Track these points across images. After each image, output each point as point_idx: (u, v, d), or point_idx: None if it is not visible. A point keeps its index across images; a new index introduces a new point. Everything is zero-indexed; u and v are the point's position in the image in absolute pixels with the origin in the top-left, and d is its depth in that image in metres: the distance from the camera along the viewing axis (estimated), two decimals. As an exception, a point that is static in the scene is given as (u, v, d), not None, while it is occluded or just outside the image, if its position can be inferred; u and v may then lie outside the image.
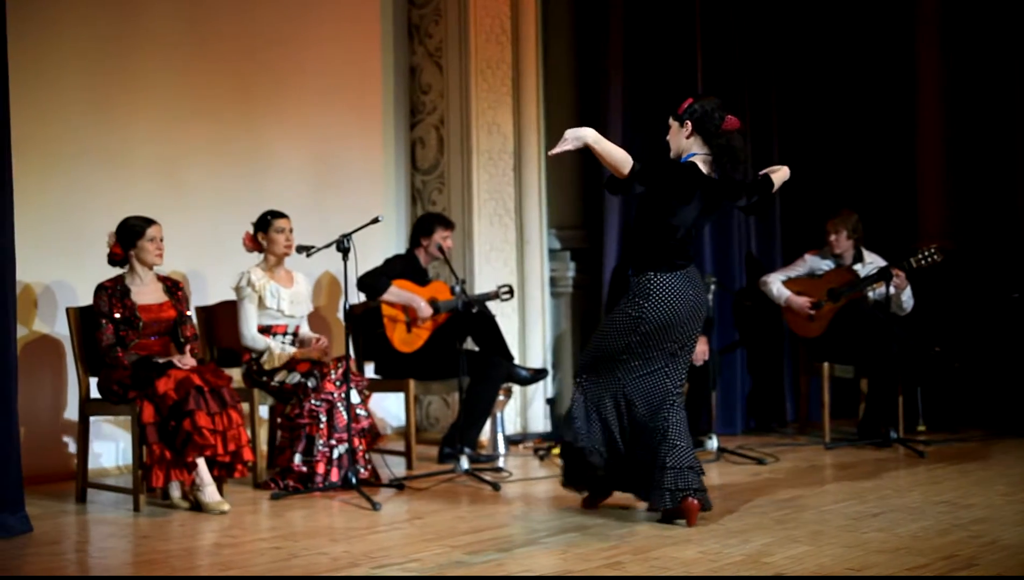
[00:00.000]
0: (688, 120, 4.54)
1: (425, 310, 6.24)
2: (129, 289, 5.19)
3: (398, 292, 6.25)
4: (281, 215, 5.71)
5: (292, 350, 5.60)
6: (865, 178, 8.03)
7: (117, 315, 5.13)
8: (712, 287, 6.49)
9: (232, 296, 5.74)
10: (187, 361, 5.04)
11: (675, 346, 4.59)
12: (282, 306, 5.64)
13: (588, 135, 4.36)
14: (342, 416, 5.39)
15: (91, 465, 5.45)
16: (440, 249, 6.41)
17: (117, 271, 5.26)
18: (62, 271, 5.81)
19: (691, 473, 4.48)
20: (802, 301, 6.76)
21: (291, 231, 5.71)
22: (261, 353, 5.60)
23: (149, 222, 5.22)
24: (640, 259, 4.59)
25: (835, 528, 4.32)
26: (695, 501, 4.45)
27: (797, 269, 6.93)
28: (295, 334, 5.73)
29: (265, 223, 5.69)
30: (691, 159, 4.53)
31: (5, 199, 4.47)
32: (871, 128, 8.08)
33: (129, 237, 5.19)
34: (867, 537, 4.15)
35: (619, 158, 4.37)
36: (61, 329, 5.66)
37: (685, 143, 4.57)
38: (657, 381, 4.58)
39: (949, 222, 7.64)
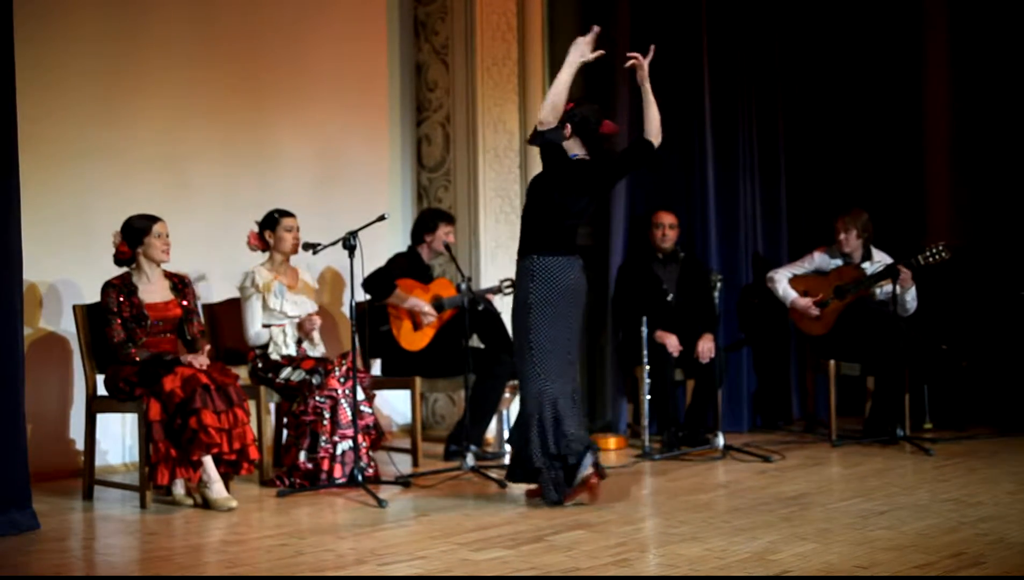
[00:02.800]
0: (568, 123, 4.84)
1: (429, 314, 6.24)
2: (136, 287, 5.20)
3: (402, 296, 6.24)
4: (289, 214, 5.72)
5: (295, 332, 5.65)
6: (873, 176, 8.02)
7: (125, 313, 5.14)
8: (718, 284, 6.49)
9: (236, 294, 5.75)
10: (202, 361, 5.03)
11: (569, 331, 4.85)
12: (285, 307, 5.65)
13: (574, 55, 4.71)
14: (346, 413, 5.39)
15: (98, 462, 5.46)
16: (447, 247, 6.41)
17: (122, 269, 5.27)
18: (68, 269, 5.82)
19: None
20: (806, 302, 6.74)
21: (298, 230, 5.72)
22: (267, 345, 5.62)
23: (154, 219, 5.22)
24: (526, 243, 4.89)
25: (842, 526, 4.31)
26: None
27: (804, 265, 6.91)
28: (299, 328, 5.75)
29: (273, 221, 5.69)
30: (574, 159, 4.85)
31: (11, 197, 4.48)
32: (878, 126, 8.07)
33: (136, 235, 5.20)
34: (874, 535, 4.14)
35: (559, 101, 4.67)
36: (67, 326, 5.67)
37: (566, 144, 4.86)
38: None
39: (957, 220, 7.62)
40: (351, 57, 7.09)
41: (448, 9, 7.28)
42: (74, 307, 5.35)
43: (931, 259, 6.44)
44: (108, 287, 5.17)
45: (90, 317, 5.29)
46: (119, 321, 5.13)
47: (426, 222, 6.51)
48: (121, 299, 5.15)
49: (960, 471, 5.56)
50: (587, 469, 4.76)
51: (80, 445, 5.59)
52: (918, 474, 5.54)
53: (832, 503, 4.79)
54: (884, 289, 6.64)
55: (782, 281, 6.86)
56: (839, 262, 6.83)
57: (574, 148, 4.88)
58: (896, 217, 7.75)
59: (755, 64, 7.62)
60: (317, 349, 5.77)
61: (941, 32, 7.72)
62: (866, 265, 6.77)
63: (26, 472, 4.52)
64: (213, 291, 6.22)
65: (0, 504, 4.37)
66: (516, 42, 7.32)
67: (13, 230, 4.48)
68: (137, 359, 5.09)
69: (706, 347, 6.50)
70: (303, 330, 5.69)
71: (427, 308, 6.24)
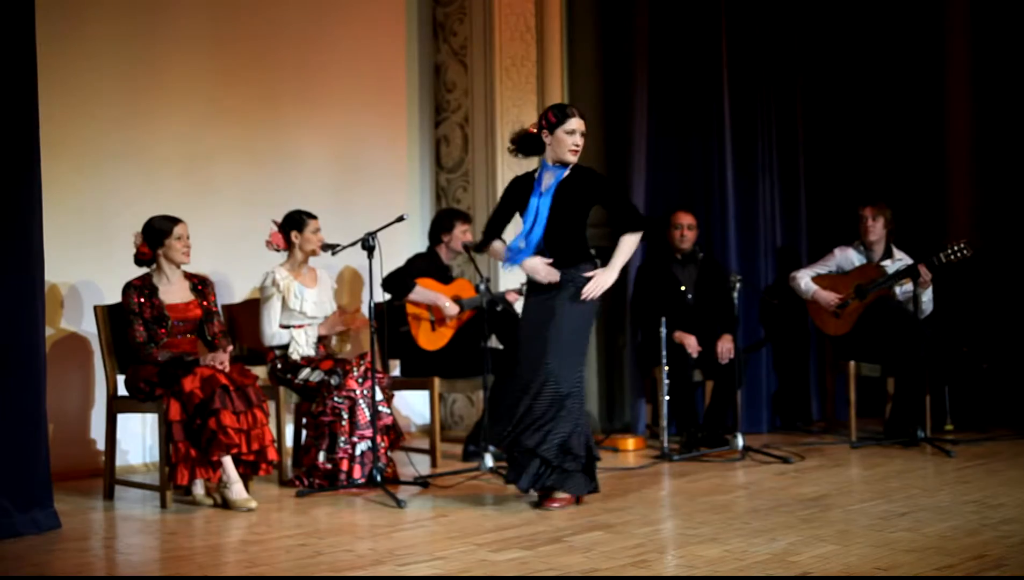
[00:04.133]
0: (547, 130, 4.98)
1: (451, 309, 6.24)
2: (157, 288, 5.22)
3: (423, 292, 6.25)
4: (313, 216, 5.75)
5: (316, 333, 5.66)
6: (893, 177, 7.97)
7: (146, 314, 5.17)
8: (738, 285, 6.47)
9: (256, 295, 5.77)
10: (221, 357, 5.05)
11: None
12: (305, 308, 5.67)
13: (610, 277, 5.01)
14: (364, 413, 5.41)
15: (118, 462, 5.50)
16: (466, 247, 6.41)
17: (142, 270, 5.29)
18: (89, 270, 5.85)
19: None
20: (829, 296, 6.73)
21: (320, 230, 5.75)
22: (286, 346, 5.64)
23: (175, 221, 5.25)
24: (572, 255, 5.03)
25: (862, 527, 4.29)
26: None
27: (827, 264, 6.90)
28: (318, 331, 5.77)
29: (300, 222, 5.71)
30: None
31: (34, 200, 4.50)
32: (899, 125, 8.02)
33: (157, 237, 5.22)
34: (894, 537, 4.12)
35: (632, 249, 5.11)
36: (88, 327, 5.70)
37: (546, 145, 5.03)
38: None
39: (978, 220, 7.56)
40: (370, 58, 7.11)
41: (466, 10, 7.29)
42: (95, 308, 5.38)
43: (952, 257, 6.40)
44: (129, 288, 5.20)
45: (111, 318, 5.32)
46: (141, 322, 5.15)
47: (443, 222, 6.52)
48: (142, 300, 5.18)
49: (981, 473, 5.53)
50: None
51: (101, 445, 5.62)
52: (939, 476, 5.51)
53: (852, 505, 4.77)
54: (904, 288, 6.60)
55: (804, 278, 6.85)
56: (860, 258, 6.80)
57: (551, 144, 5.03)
58: (917, 217, 7.70)
59: (774, 64, 7.59)
60: (344, 348, 5.81)
61: (962, 30, 7.66)
62: (887, 263, 6.74)
63: (47, 472, 4.55)
64: (233, 292, 6.24)
65: (22, 503, 4.40)
66: (535, 43, 7.32)
67: (36, 232, 4.50)
68: (159, 359, 5.11)
69: (725, 348, 6.49)
70: (345, 324, 5.71)
71: (448, 302, 6.24)
